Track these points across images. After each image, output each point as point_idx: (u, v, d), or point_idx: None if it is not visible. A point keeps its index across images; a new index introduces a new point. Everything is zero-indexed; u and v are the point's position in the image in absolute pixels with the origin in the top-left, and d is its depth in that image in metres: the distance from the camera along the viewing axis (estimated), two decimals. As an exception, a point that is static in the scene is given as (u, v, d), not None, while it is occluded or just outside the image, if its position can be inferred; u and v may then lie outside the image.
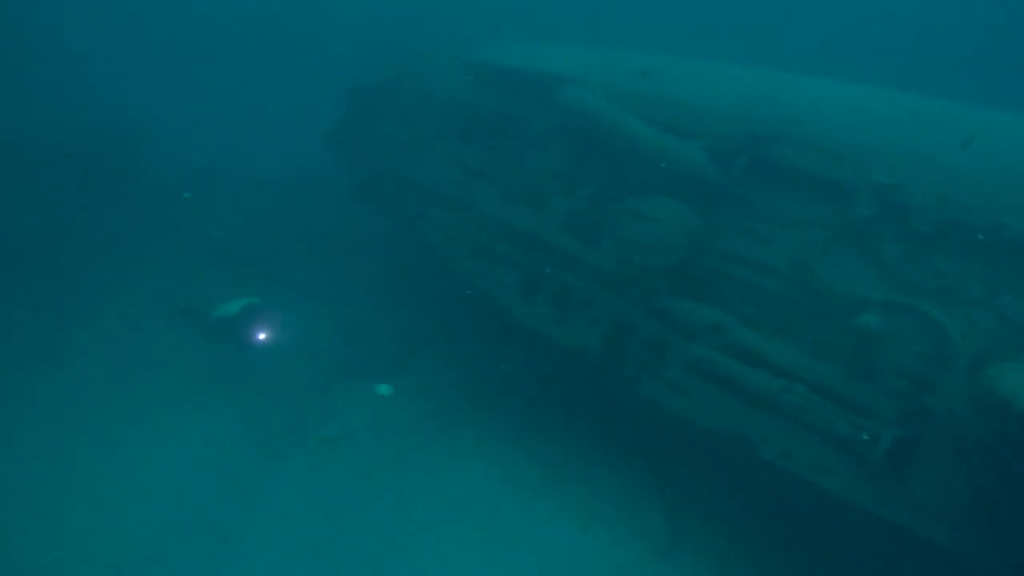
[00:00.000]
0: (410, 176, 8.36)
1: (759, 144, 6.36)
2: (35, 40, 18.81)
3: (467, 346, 8.19)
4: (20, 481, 6.37)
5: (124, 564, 5.82)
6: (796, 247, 5.96)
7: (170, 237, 10.55)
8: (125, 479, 6.54)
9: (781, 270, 5.93)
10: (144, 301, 9.03)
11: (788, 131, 6.30)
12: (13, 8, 19.44)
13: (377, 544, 6.02)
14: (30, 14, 20.11)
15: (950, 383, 4.95)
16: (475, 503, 6.43)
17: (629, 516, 6.27)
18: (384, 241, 10.01)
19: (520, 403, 7.48)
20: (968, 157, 5.71)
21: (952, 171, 5.65)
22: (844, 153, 5.99)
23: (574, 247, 6.77)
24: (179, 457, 6.82)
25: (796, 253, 5.93)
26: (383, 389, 7.55)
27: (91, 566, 5.77)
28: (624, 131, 6.79)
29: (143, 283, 9.42)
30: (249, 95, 18.30)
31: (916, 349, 5.27)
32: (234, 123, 15.75)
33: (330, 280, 9.67)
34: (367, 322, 8.83)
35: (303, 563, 5.88)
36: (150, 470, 6.65)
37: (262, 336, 7.19)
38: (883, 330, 5.27)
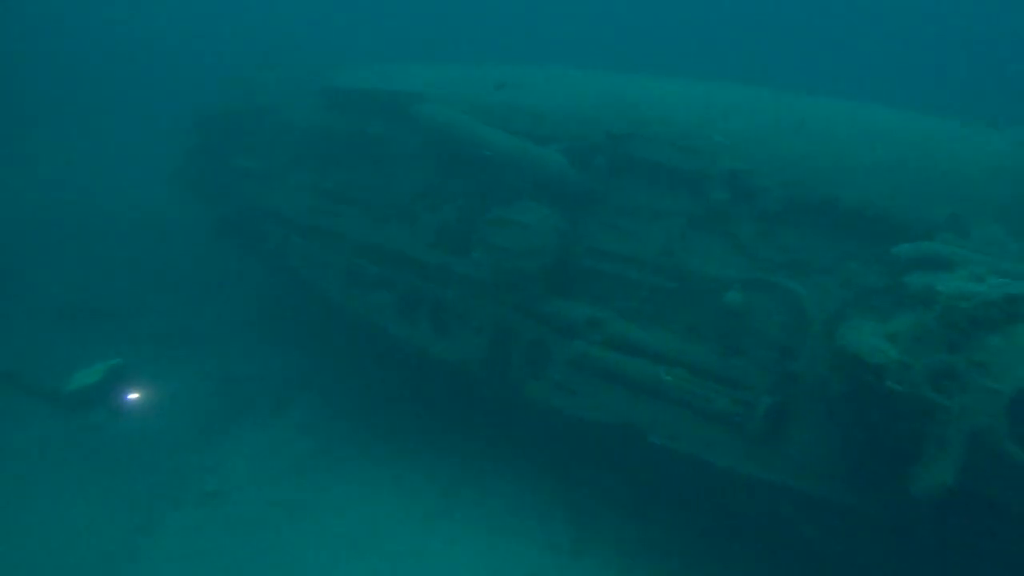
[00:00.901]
0: (271, 208, 8.02)
1: (616, 143, 6.57)
2: None
3: (350, 376, 7.89)
4: None
5: None
6: (659, 237, 6.19)
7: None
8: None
9: (648, 260, 6.12)
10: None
11: (642, 129, 6.55)
12: None
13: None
14: None
15: (811, 348, 5.25)
16: (376, 534, 6.13)
17: (534, 521, 6.20)
18: (250, 279, 9.51)
19: (412, 425, 7.27)
20: (802, 140, 6.16)
21: (790, 153, 6.08)
22: (694, 144, 6.31)
23: (447, 261, 6.71)
24: (27, 553, 6.01)
25: (660, 243, 6.16)
26: None
27: None
28: (484, 142, 6.83)
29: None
30: (82, 131, 16.72)
31: (778, 320, 5.57)
32: (68, 162, 14.36)
33: (197, 327, 9.03)
34: (242, 366, 8.32)
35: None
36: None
37: (133, 398, 6.57)
38: (747, 306, 5.56)
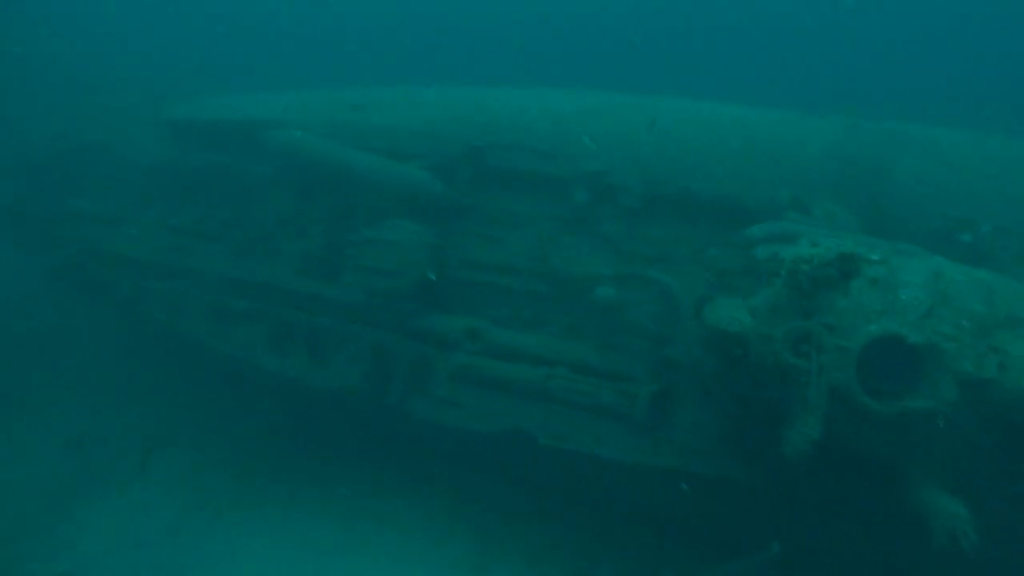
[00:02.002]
0: (118, 252, 7.38)
1: (478, 155, 6.59)
2: None
3: (224, 421, 7.35)
4: None
5: None
6: (530, 243, 6.26)
7: None
8: None
9: (521, 266, 6.18)
10: None
11: (502, 138, 6.61)
12: None
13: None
14: None
15: (683, 333, 5.45)
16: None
17: (435, 543, 6.03)
18: (99, 330, 8.66)
19: (297, 464, 6.86)
20: (655, 139, 6.43)
21: (645, 152, 6.32)
22: (554, 150, 6.43)
23: (317, 288, 6.46)
24: None
25: (531, 248, 6.22)
26: None
27: None
28: (344, 164, 6.65)
29: None
30: None
31: (651, 310, 5.77)
32: None
33: (33, 391, 8.07)
34: (94, 427, 7.50)
35: None
36: None
37: None
38: (618, 300, 5.71)
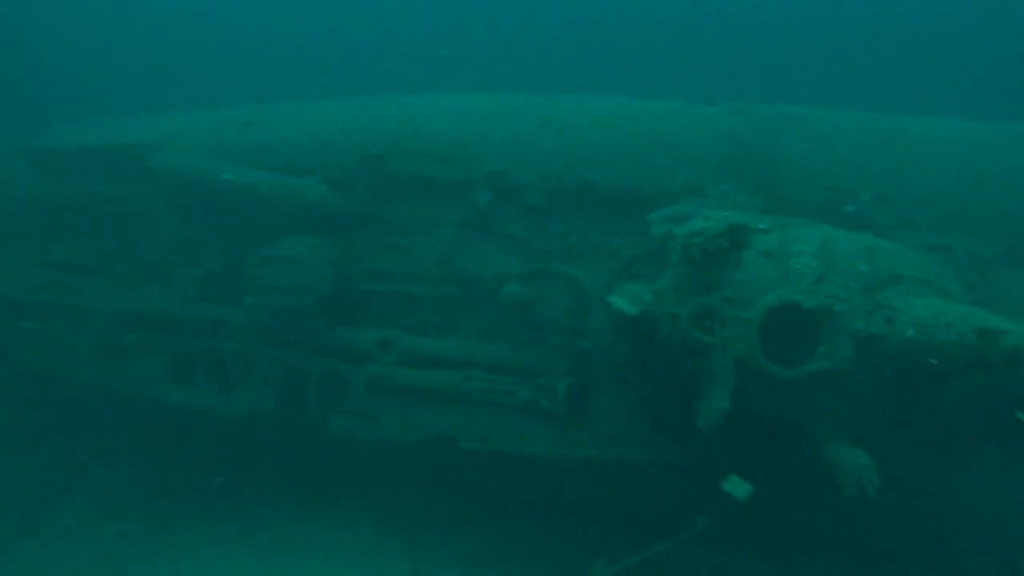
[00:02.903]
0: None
1: (376, 163, 6.45)
2: None
3: (125, 466, 6.86)
4: None
5: None
6: (435, 248, 6.17)
7: None
8: None
9: (428, 272, 6.08)
10: None
11: (400, 145, 6.50)
12: None
13: None
14: None
15: (594, 323, 5.50)
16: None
17: (366, 562, 5.84)
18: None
19: (211, 501, 6.48)
20: (552, 135, 6.49)
21: (543, 149, 6.36)
22: (452, 153, 6.38)
23: (217, 312, 6.17)
24: None
25: (437, 253, 6.14)
26: None
27: None
28: (236, 183, 6.37)
29: None
30: None
31: (562, 304, 5.79)
32: None
33: None
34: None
35: None
36: None
37: None
38: (527, 297, 5.71)
